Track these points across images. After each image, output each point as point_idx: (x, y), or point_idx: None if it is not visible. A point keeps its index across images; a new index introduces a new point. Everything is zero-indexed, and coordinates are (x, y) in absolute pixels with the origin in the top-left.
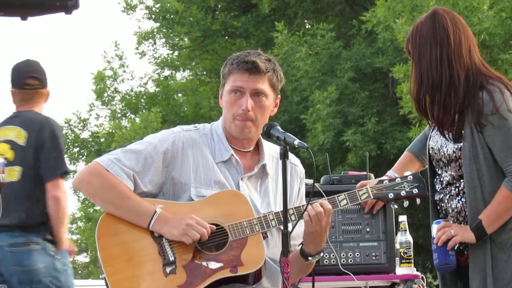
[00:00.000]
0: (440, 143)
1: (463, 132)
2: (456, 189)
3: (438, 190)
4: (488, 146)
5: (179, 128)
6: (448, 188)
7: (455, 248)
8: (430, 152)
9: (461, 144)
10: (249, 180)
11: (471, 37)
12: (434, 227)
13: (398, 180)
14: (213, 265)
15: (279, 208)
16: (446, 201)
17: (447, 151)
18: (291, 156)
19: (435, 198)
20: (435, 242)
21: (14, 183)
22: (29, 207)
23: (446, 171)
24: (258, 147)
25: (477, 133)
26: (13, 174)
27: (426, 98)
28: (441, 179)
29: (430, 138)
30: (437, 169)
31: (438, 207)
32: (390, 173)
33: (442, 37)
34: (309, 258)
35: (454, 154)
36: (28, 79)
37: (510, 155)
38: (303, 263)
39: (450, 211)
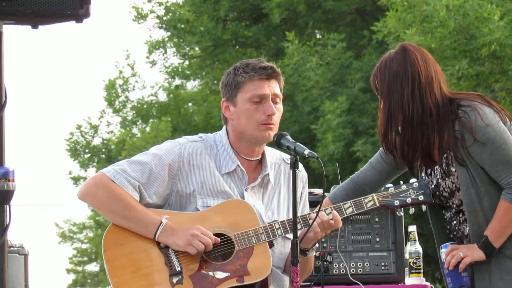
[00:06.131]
0: (434, 182)
1: (452, 168)
2: (463, 216)
3: (448, 219)
4: (480, 166)
5: (185, 139)
6: (457, 216)
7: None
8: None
9: (456, 174)
10: (253, 190)
11: (441, 73)
12: (443, 252)
13: (403, 187)
14: (220, 274)
15: (283, 215)
16: (457, 228)
17: (445, 185)
18: None
19: (447, 227)
20: (446, 266)
21: None
22: None
23: (452, 202)
24: (261, 156)
25: (468, 159)
26: None
27: (395, 136)
28: (450, 209)
29: (422, 179)
30: (443, 201)
31: (452, 235)
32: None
33: (413, 74)
34: (307, 253)
35: (454, 185)
36: None
37: (501, 169)
38: (301, 259)
39: (464, 237)
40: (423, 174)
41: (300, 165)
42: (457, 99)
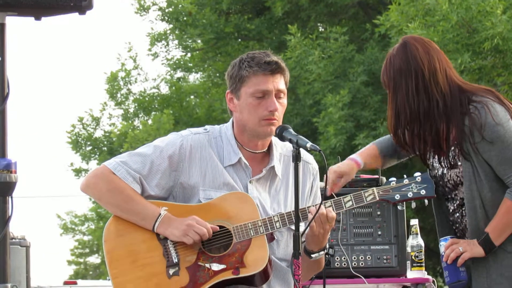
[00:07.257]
0: (440, 171)
1: (458, 161)
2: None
3: (451, 211)
4: (487, 162)
5: (188, 131)
6: (460, 208)
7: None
8: (433, 179)
9: (461, 168)
10: (258, 182)
11: (446, 60)
12: (442, 245)
13: (406, 181)
14: (216, 266)
15: (290, 207)
16: (459, 220)
17: (450, 176)
18: (304, 153)
19: (450, 219)
20: (445, 260)
21: None
22: None
23: (456, 194)
24: (268, 148)
25: (474, 154)
26: None
27: (405, 132)
28: (453, 201)
29: (428, 169)
30: (447, 192)
31: (454, 227)
32: (355, 156)
33: (416, 68)
34: (312, 255)
35: (458, 178)
36: None
37: (508, 167)
38: (308, 259)
39: (466, 230)
40: (432, 160)
41: (311, 157)
42: (468, 91)
